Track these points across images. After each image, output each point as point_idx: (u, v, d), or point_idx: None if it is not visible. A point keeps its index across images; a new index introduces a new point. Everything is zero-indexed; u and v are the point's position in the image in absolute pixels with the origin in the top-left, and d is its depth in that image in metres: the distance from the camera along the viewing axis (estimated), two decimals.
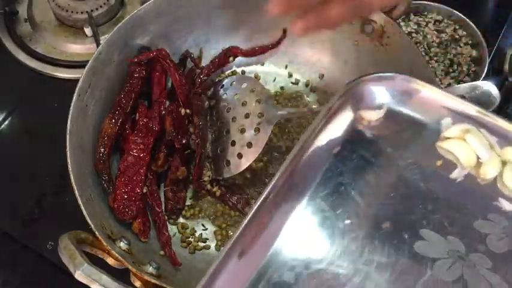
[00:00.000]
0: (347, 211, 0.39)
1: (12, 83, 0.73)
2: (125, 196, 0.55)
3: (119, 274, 0.45)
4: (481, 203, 0.40)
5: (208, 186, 0.59)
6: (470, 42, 0.71)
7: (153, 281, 0.47)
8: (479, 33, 0.70)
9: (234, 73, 0.68)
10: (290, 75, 0.68)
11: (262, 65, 0.69)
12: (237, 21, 0.66)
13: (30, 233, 0.61)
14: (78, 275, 0.42)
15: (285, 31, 0.66)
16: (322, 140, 0.41)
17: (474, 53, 0.71)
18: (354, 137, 0.43)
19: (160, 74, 0.62)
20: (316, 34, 0.65)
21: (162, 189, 0.60)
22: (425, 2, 0.74)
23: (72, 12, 0.73)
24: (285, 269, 0.36)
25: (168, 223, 0.58)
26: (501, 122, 0.41)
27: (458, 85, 0.57)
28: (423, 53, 0.70)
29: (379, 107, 0.43)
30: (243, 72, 0.69)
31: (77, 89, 0.54)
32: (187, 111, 0.60)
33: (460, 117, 0.42)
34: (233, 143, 0.58)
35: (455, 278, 0.36)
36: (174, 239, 0.58)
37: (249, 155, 0.56)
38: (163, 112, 0.60)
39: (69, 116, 0.53)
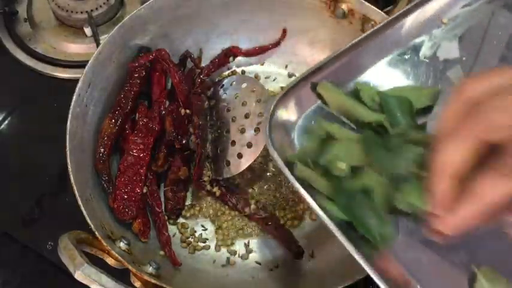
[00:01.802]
0: None
1: (12, 83, 0.73)
2: (125, 196, 0.55)
3: (119, 274, 0.45)
4: None
5: (208, 187, 0.59)
6: None
7: (153, 281, 0.47)
8: None
9: (234, 73, 0.68)
10: (290, 75, 0.68)
11: (262, 65, 0.69)
12: (237, 21, 0.66)
13: (30, 233, 0.61)
14: (78, 275, 0.42)
15: (284, 31, 0.66)
16: None
17: None
18: None
19: (160, 74, 0.62)
20: (314, 34, 0.65)
21: (162, 189, 0.60)
22: None
23: (72, 12, 0.73)
24: None
25: (168, 223, 0.58)
26: None
27: None
28: None
29: None
30: (243, 72, 0.69)
31: (77, 89, 0.54)
32: (187, 111, 0.60)
33: None
34: (233, 143, 0.58)
35: None
36: (174, 239, 0.58)
37: (249, 155, 0.56)
38: (163, 112, 0.60)
39: (69, 116, 0.53)
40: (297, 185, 0.36)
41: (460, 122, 0.28)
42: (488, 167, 0.28)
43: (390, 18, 0.45)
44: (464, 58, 0.46)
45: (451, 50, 0.45)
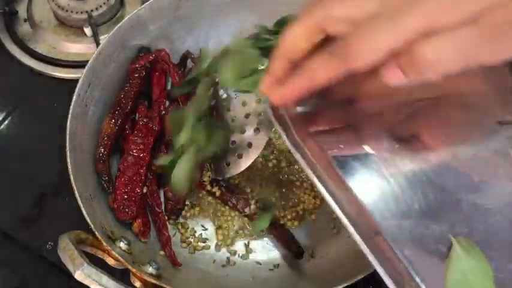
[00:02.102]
0: None
1: (12, 83, 0.73)
2: (125, 196, 0.55)
3: (119, 274, 0.45)
4: None
5: (208, 187, 0.59)
6: None
7: (153, 281, 0.47)
8: None
9: None
10: None
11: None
12: (237, 21, 0.66)
13: (30, 233, 0.61)
14: (78, 275, 0.42)
15: None
16: None
17: None
18: None
19: (160, 74, 0.62)
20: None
21: (162, 189, 0.60)
22: None
23: (72, 12, 0.73)
24: None
25: (168, 223, 0.59)
26: None
27: None
28: None
29: None
30: None
31: (77, 89, 0.54)
32: None
33: None
34: (233, 143, 0.58)
35: None
36: (174, 239, 0.58)
37: (249, 155, 0.56)
38: (163, 112, 0.60)
39: (69, 116, 0.53)
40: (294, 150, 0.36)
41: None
42: (322, 50, 0.31)
43: None
44: None
45: None
